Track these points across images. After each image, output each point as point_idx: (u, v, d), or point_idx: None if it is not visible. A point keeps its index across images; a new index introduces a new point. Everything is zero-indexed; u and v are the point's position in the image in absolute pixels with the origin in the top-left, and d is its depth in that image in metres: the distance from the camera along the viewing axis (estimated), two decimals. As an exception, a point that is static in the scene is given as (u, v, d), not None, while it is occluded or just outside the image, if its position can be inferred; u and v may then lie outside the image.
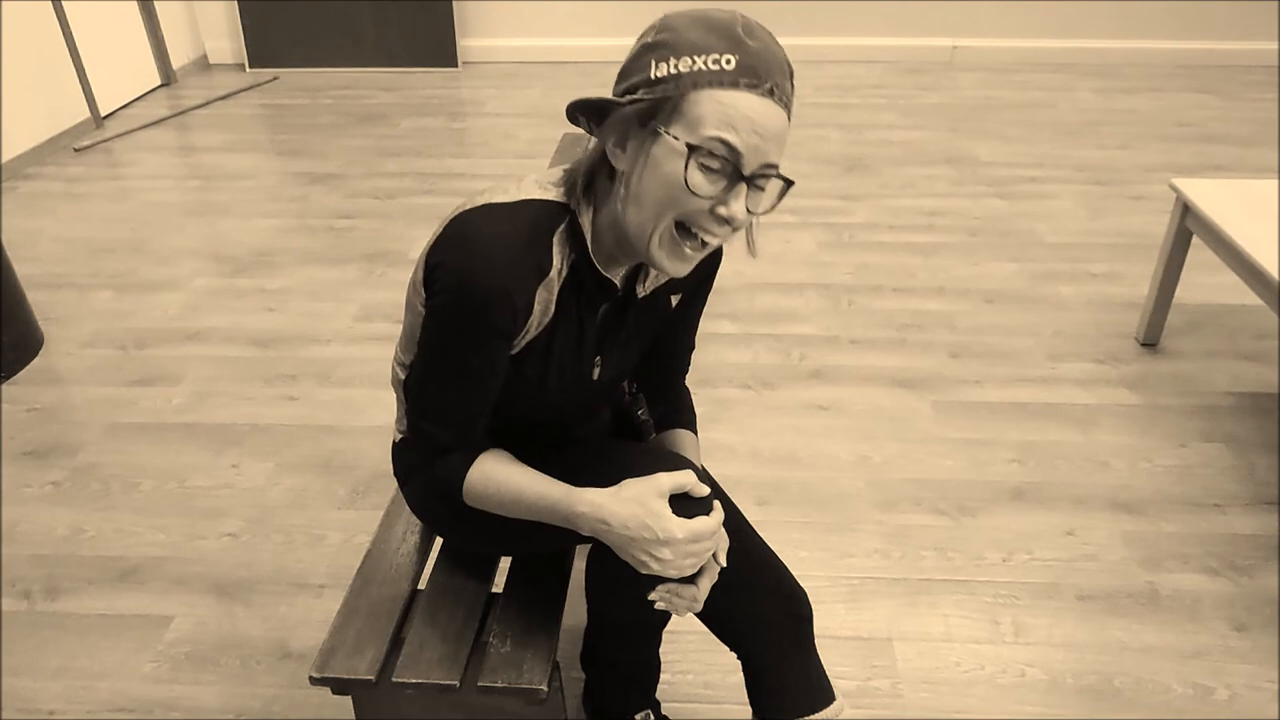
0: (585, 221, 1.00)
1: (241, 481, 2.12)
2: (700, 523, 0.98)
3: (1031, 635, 1.66)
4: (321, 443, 2.23)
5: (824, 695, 1.16)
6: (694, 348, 1.30)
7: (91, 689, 1.63)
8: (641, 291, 1.10)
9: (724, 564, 1.07)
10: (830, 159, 3.83)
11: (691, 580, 1.05)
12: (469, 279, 0.95)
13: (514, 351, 1.04)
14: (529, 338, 1.03)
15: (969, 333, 2.59)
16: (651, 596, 1.05)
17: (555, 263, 1.00)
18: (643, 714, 1.36)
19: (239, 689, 1.62)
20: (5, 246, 2.66)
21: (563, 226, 1.00)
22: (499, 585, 1.26)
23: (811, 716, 1.14)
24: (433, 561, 1.30)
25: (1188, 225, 2.29)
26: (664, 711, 1.45)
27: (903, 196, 3.46)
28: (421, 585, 1.26)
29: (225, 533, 1.97)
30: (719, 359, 2.50)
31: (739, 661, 1.22)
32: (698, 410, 1.34)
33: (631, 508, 0.97)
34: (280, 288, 2.95)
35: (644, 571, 0.99)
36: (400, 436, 1.23)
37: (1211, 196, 2.21)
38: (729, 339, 2.59)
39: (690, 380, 1.31)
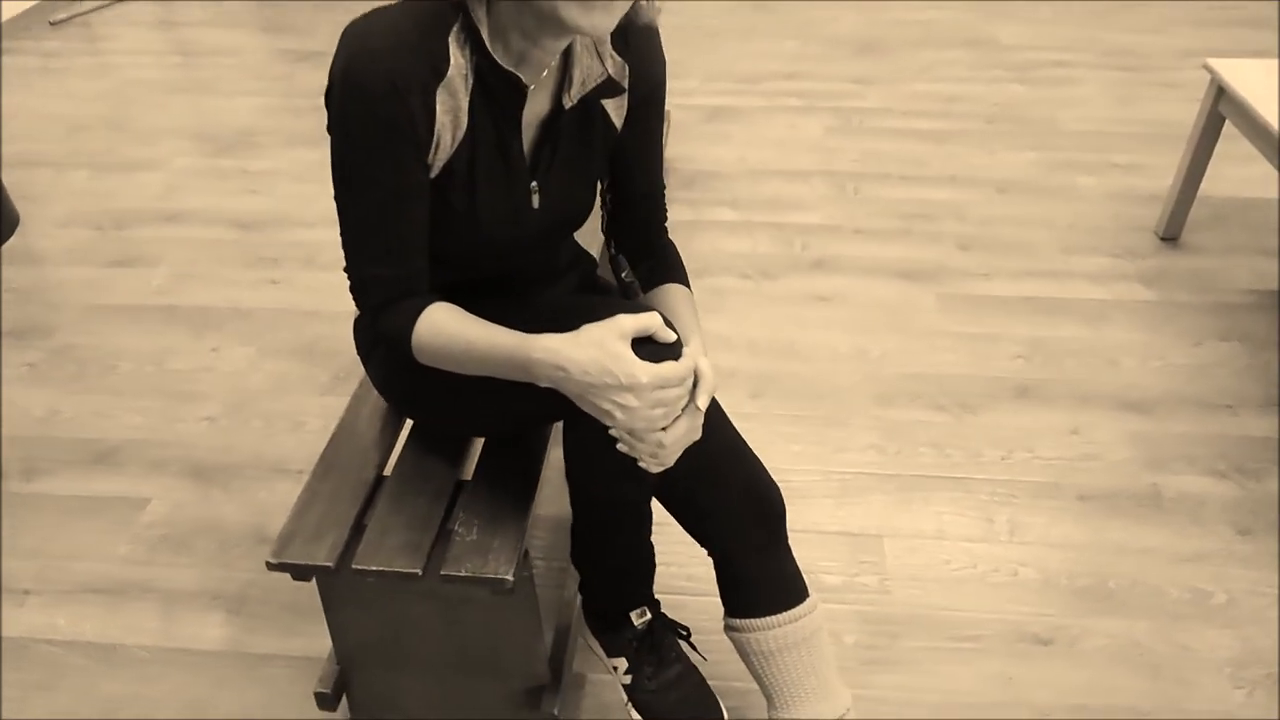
0: (480, 15, 0.93)
1: (221, 365, 2.06)
2: (668, 367, 0.90)
3: (1027, 535, 1.61)
4: (304, 328, 2.17)
5: (797, 593, 1.11)
6: (664, 189, 1.20)
7: (68, 569, 1.61)
8: (568, 101, 1.01)
9: (702, 407, 0.97)
10: (842, 40, 3.63)
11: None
12: (354, 75, 0.90)
13: (434, 175, 0.97)
14: (446, 156, 0.96)
15: (980, 224, 2.48)
16: (613, 433, 0.97)
17: (455, 61, 0.93)
18: (639, 610, 1.27)
19: (215, 572, 1.59)
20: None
21: (457, 25, 0.93)
22: (470, 473, 1.20)
23: (783, 614, 1.09)
24: (401, 447, 1.24)
25: (1220, 110, 2.14)
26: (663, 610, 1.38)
27: (918, 81, 3.28)
28: (388, 472, 1.21)
29: (204, 416, 1.92)
30: (717, 247, 2.40)
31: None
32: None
33: (591, 351, 0.89)
34: (264, 169, 2.84)
35: (608, 422, 0.92)
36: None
37: (1248, 78, 2.05)
38: (728, 227, 2.48)
39: (686, 268, 1.22)
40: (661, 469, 1.00)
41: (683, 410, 0.95)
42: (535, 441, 1.24)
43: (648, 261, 1.20)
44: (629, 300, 1.16)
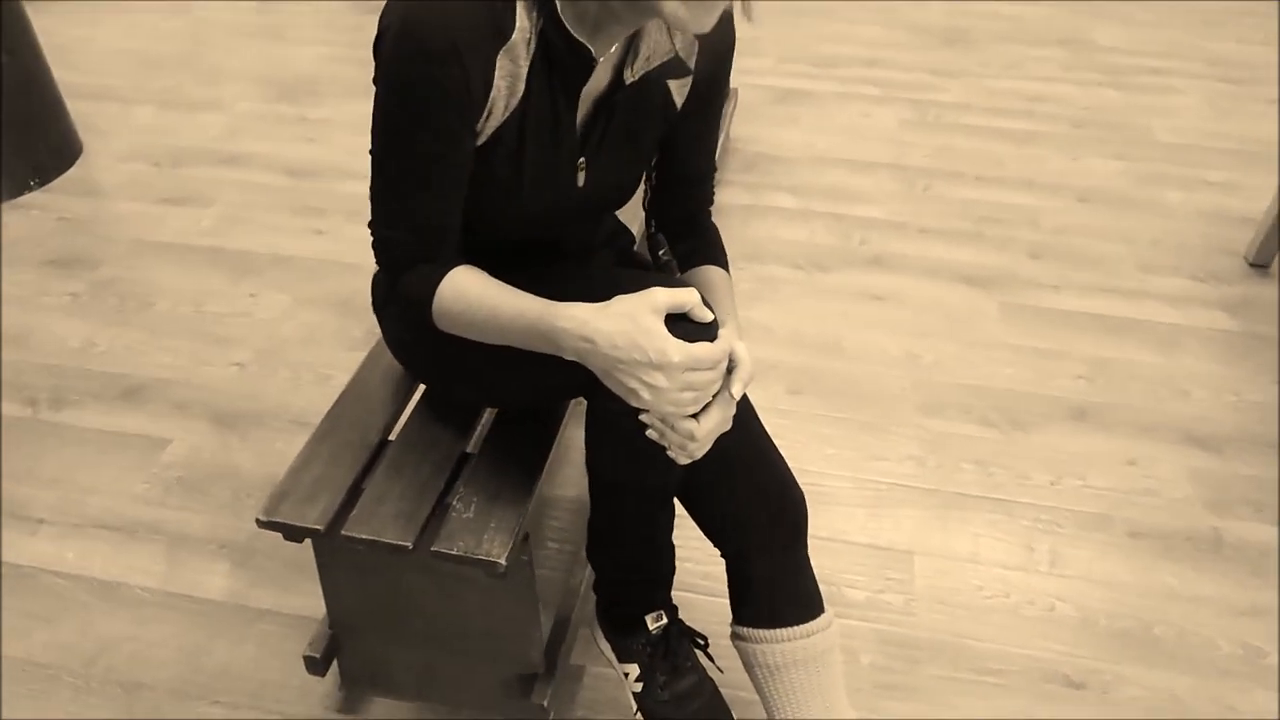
0: None
1: (257, 311, 2.04)
2: (701, 348, 0.83)
3: (1068, 567, 1.51)
4: (343, 281, 2.14)
5: (811, 606, 1.03)
6: (714, 172, 1.14)
7: (83, 503, 1.60)
8: (629, 76, 0.94)
9: (736, 396, 0.91)
10: (927, 29, 3.47)
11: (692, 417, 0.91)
12: (411, 28, 0.83)
13: (480, 141, 0.91)
14: (496, 123, 0.90)
15: (1054, 232, 2.34)
16: (643, 418, 0.91)
17: (520, 24, 0.86)
18: (655, 614, 1.19)
19: (225, 520, 1.57)
20: (49, 52, 2.56)
21: None
22: (477, 445, 1.14)
23: (795, 627, 1.02)
24: (410, 412, 1.19)
25: (1331, 131, 1.98)
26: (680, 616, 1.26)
27: (1003, 77, 3.12)
28: (394, 437, 1.16)
29: (233, 362, 1.90)
30: (771, 234, 2.30)
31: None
32: (740, 286, 1.17)
33: (621, 323, 0.83)
34: (323, 118, 2.82)
35: (634, 403, 0.86)
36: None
37: (1368, 98, 1.88)
38: (785, 214, 2.38)
39: (735, 254, 1.15)
40: (690, 460, 0.94)
41: (714, 398, 0.89)
42: (549, 417, 1.18)
43: (688, 241, 1.14)
44: (665, 275, 1.09)
